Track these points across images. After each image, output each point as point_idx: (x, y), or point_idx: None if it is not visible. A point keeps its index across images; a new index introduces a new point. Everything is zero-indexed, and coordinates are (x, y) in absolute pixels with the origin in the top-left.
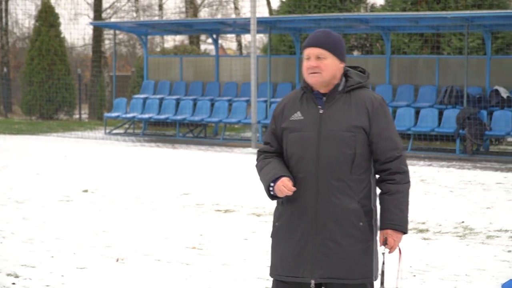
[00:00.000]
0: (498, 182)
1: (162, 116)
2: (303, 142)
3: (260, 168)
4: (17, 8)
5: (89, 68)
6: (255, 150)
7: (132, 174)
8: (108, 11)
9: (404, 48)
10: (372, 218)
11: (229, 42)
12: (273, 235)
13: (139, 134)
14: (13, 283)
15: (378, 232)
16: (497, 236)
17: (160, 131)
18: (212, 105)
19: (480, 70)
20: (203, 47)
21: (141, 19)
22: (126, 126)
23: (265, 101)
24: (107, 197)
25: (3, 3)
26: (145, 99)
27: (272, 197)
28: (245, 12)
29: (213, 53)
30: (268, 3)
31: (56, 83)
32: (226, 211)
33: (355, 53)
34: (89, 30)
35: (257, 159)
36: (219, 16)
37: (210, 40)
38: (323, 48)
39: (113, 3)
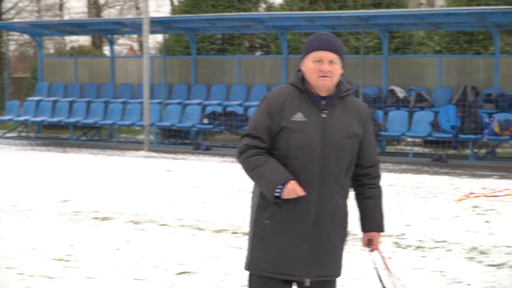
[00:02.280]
0: (390, 184)
1: (55, 119)
2: (307, 146)
3: (255, 164)
4: None
5: None
6: (148, 153)
7: (14, 180)
8: (12, 11)
9: (301, 48)
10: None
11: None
12: (260, 233)
13: (30, 138)
14: None
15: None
16: (380, 242)
17: (55, 134)
18: (107, 107)
19: (377, 70)
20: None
21: (44, 19)
22: (20, 129)
23: (160, 103)
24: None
25: None
26: (38, 102)
27: (276, 197)
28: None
29: (123, 54)
30: (172, 3)
31: None
32: (103, 218)
33: (257, 53)
34: None
35: (243, 153)
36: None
37: (121, 41)
38: (336, 53)
39: (16, 3)
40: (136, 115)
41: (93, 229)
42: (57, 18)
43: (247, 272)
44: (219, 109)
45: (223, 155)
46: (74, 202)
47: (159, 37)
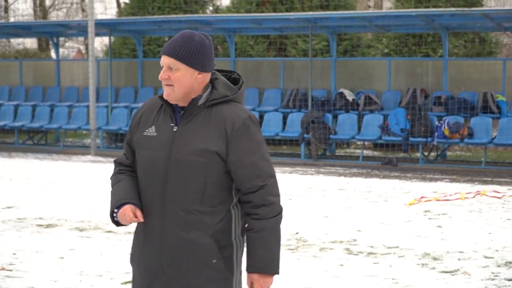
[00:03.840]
0: (340, 188)
1: (1, 123)
2: (152, 164)
3: (112, 184)
4: None
5: None
6: (95, 158)
7: None
8: None
9: (249, 51)
10: (233, 253)
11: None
12: (130, 262)
13: None
14: None
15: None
16: (331, 248)
17: (0, 138)
18: (52, 110)
19: (325, 73)
20: (61, 50)
21: None
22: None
23: (107, 106)
24: None
25: None
26: None
27: (117, 223)
28: (96, 14)
29: (71, 57)
30: (118, 5)
31: None
32: (48, 225)
33: None
34: None
35: (113, 170)
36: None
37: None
38: (175, 58)
39: None
40: (82, 119)
41: (37, 236)
42: (3, 21)
43: None
44: None
45: None
46: (18, 209)
47: (106, 40)
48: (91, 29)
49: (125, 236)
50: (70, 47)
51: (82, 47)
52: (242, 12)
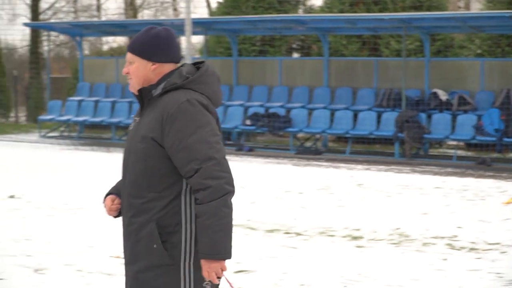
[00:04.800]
0: (437, 187)
1: (97, 119)
2: (123, 156)
3: None
4: None
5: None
6: None
7: (62, 179)
8: (48, 12)
9: (343, 50)
10: (181, 239)
11: None
12: None
13: (73, 138)
14: None
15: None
16: (433, 244)
17: (97, 134)
18: None
19: (419, 73)
20: None
21: (81, 20)
22: (62, 129)
23: None
24: (33, 203)
25: None
26: (80, 101)
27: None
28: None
29: None
30: (208, 5)
31: None
32: None
33: (295, 55)
34: (28, 31)
35: None
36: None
37: None
38: (130, 51)
39: (53, 4)
40: None
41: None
42: (95, 19)
43: (305, 271)
44: (261, 111)
45: (267, 156)
46: None
47: (195, 39)
48: (188, 27)
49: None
50: None
51: None
52: (335, 12)
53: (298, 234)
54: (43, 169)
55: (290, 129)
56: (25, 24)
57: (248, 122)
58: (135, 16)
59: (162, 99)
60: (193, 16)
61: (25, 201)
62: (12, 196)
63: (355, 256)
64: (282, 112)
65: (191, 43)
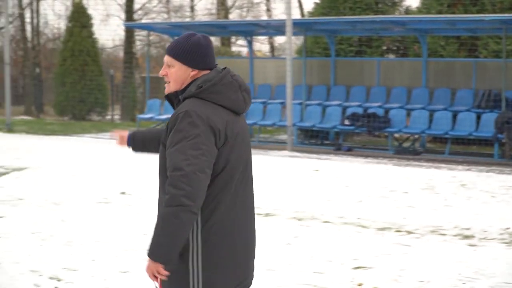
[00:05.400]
0: None
1: None
2: None
3: None
4: (48, 9)
5: (120, 69)
6: (291, 153)
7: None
8: (139, 12)
9: (441, 51)
10: (187, 242)
11: (258, 44)
12: None
13: None
14: (56, 287)
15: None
16: None
17: None
18: None
19: None
20: (233, 49)
21: (172, 20)
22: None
23: (300, 104)
24: (144, 199)
25: (34, 3)
26: None
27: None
28: (276, 14)
29: (244, 55)
30: (300, 5)
31: (89, 84)
32: (266, 214)
33: (391, 56)
34: (120, 31)
35: None
36: (248, 18)
37: (240, 42)
38: (171, 55)
39: (144, 4)
40: (276, 116)
41: (259, 224)
42: (187, 19)
43: (422, 268)
44: (359, 111)
45: (366, 156)
46: None
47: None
48: (288, 28)
49: (342, 227)
50: (239, 45)
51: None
52: (433, 13)
53: (409, 232)
54: (148, 166)
55: (388, 129)
56: (125, 25)
57: (346, 122)
58: (226, 16)
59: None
60: (284, 16)
61: (136, 197)
62: (123, 193)
63: (469, 254)
64: (380, 112)
65: (291, 44)
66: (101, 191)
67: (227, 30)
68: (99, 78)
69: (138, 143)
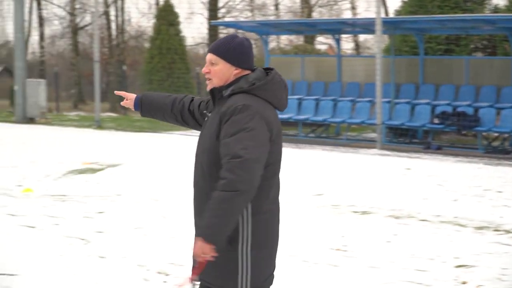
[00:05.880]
0: None
1: (284, 116)
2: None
3: None
4: (131, 6)
5: (202, 66)
6: (380, 152)
7: None
8: (222, 10)
9: None
10: (236, 227)
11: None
12: None
13: None
14: (165, 281)
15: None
16: None
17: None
18: (335, 105)
19: None
20: (318, 47)
21: (256, 18)
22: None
23: (389, 102)
24: None
25: (119, 1)
26: None
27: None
28: (360, 12)
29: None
30: (384, 4)
31: (176, 81)
32: (363, 213)
33: (478, 54)
34: (203, 29)
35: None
36: (333, 17)
37: (319, 39)
38: (215, 53)
39: (227, 2)
40: (364, 114)
41: (356, 222)
42: (272, 17)
43: None
44: (449, 109)
45: (456, 155)
46: (328, 196)
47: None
48: (378, 27)
49: (440, 225)
50: (320, 42)
51: (333, 43)
52: None
53: (507, 231)
54: None
55: (478, 128)
56: (213, 23)
57: (436, 120)
58: (309, 14)
59: (228, 100)
60: (367, 14)
61: None
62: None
63: None
64: (469, 111)
65: (381, 42)
66: None
67: (316, 29)
68: (186, 75)
69: (146, 108)
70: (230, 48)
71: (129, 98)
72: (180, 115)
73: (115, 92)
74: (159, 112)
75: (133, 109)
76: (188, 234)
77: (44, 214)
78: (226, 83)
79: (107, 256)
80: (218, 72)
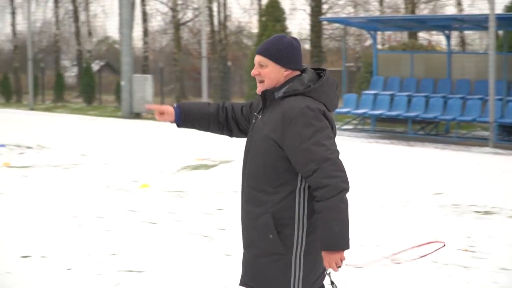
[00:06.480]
0: None
1: (394, 113)
2: (245, 147)
3: None
4: (233, 2)
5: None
6: (493, 150)
7: (382, 172)
8: (325, 6)
9: None
10: (294, 232)
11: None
12: None
13: (368, 130)
14: None
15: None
16: None
17: (389, 127)
18: (445, 102)
19: None
20: (421, 42)
21: (359, 14)
22: (355, 122)
23: (501, 99)
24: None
25: None
26: (375, 95)
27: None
28: (464, 8)
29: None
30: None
31: None
32: (485, 212)
33: None
34: (305, 25)
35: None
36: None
37: (422, 35)
38: (263, 55)
39: None
40: (475, 111)
41: (479, 222)
42: (377, 13)
43: None
44: None
45: None
46: (448, 195)
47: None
48: (492, 23)
49: None
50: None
51: (432, 40)
52: None
53: None
54: (352, 161)
55: None
56: (322, 19)
57: None
58: (413, 11)
59: (282, 102)
60: (471, 10)
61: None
62: None
63: None
64: None
65: (494, 39)
66: None
67: (427, 25)
68: None
69: (188, 119)
70: (279, 49)
71: (161, 112)
72: (225, 122)
73: (146, 106)
74: (203, 121)
75: (171, 122)
76: None
77: (164, 210)
78: (277, 85)
79: (233, 253)
80: (268, 74)
